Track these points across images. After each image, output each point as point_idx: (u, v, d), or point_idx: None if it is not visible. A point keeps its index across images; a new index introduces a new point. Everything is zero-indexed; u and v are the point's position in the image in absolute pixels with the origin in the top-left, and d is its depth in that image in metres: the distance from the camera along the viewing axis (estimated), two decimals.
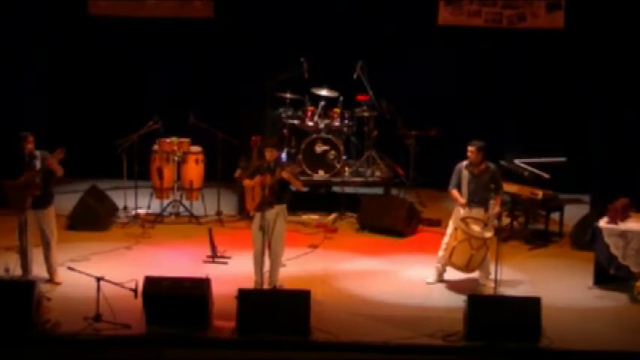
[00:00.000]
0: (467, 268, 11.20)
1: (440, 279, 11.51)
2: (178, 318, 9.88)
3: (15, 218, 11.09)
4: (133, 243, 12.75)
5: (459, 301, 10.43)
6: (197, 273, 10.85)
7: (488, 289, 11.12)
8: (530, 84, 15.46)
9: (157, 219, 13.72)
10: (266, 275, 10.98)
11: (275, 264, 11.01)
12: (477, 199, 11.30)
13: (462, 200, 11.28)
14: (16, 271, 11.12)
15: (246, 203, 11.28)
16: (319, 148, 14.26)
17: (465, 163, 11.39)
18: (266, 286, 10.91)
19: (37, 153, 11.03)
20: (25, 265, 11.07)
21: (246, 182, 11.07)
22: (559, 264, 12.39)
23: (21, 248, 11.06)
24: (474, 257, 11.05)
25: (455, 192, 11.39)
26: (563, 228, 13.41)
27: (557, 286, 11.50)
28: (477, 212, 11.29)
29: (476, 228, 11.16)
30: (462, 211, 11.31)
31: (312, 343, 9.76)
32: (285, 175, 10.74)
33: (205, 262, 12.04)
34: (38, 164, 10.97)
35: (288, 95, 14.71)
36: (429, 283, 11.48)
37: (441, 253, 11.45)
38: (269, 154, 10.95)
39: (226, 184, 14.12)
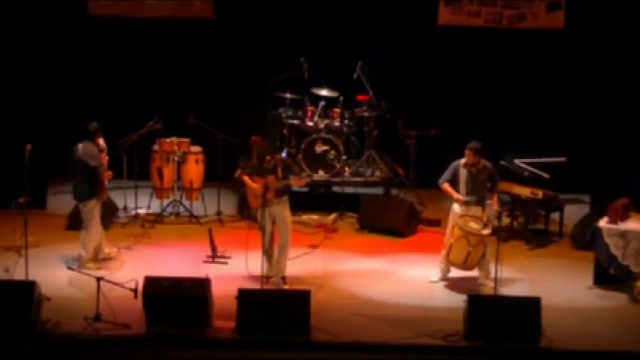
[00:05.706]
0: (464, 266, 11.21)
1: (443, 278, 11.51)
2: (178, 318, 9.87)
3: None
4: (133, 243, 12.74)
5: (459, 301, 10.43)
6: (197, 273, 10.86)
7: (488, 288, 11.12)
8: (531, 84, 15.46)
9: (157, 219, 13.72)
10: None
11: (283, 253, 11.16)
12: (475, 197, 11.31)
13: (456, 195, 11.31)
14: (17, 271, 11.13)
15: (249, 201, 11.47)
16: (319, 148, 14.26)
17: (463, 161, 11.40)
18: (272, 275, 11.07)
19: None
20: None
21: (248, 181, 11.23)
22: (559, 264, 12.39)
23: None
24: (472, 254, 11.06)
25: (447, 185, 11.41)
26: (563, 228, 13.41)
27: (557, 286, 11.49)
28: (475, 211, 11.30)
29: (474, 225, 11.16)
30: (457, 209, 11.33)
31: (312, 343, 9.75)
32: (293, 183, 11.12)
33: (205, 262, 12.04)
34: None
35: (288, 95, 14.70)
36: (432, 282, 11.49)
37: (443, 252, 11.45)
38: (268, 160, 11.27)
39: (226, 184, 14.12)
